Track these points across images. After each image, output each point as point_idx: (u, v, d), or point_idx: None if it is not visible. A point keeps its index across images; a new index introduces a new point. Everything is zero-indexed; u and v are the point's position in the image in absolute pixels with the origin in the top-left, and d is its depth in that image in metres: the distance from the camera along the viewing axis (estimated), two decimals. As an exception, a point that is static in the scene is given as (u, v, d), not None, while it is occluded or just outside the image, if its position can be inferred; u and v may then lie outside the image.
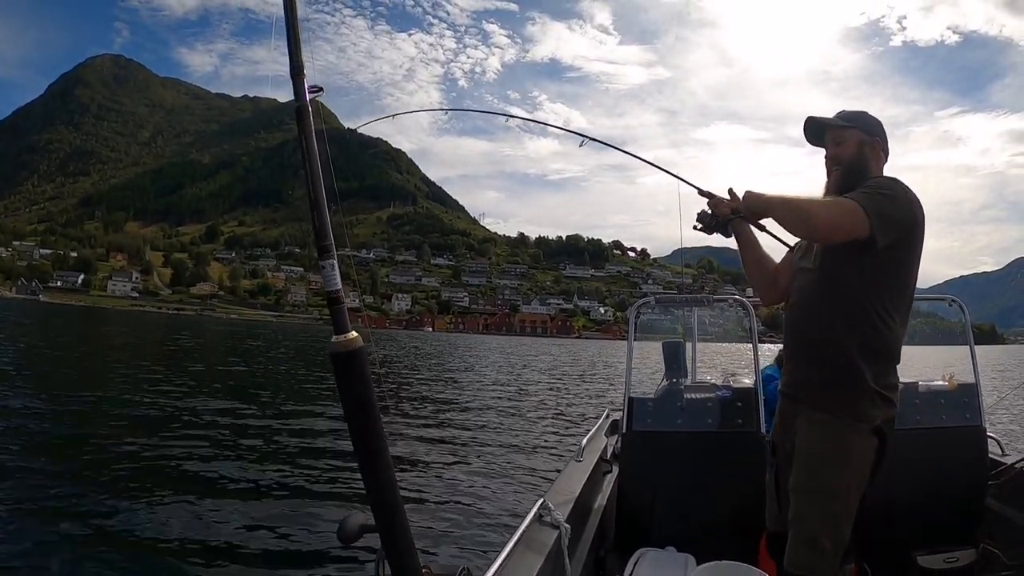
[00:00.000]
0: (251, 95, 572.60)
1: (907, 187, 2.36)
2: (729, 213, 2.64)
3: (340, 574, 5.76)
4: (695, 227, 2.72)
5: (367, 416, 1.57)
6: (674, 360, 4.51)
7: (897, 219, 2.26)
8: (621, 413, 4.24)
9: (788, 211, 2.38)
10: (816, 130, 2.62)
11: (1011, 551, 3.44)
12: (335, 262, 1.56)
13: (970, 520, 3.74)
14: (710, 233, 2.62)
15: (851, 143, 2.51)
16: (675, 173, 3.00)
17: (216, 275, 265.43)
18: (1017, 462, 3.82)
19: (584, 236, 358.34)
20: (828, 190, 2.54)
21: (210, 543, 6.18)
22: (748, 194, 2.53)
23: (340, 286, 1.57)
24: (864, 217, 2.18)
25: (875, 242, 2.21)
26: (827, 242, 2.32)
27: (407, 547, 1.62)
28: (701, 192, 2.79)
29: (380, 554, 1.63)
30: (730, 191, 2.73)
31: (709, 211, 2.73)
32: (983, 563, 3.54)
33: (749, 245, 2.75)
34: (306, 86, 1.57)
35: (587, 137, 3.69)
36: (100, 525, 6.33)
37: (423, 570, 1.65)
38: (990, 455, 3.96)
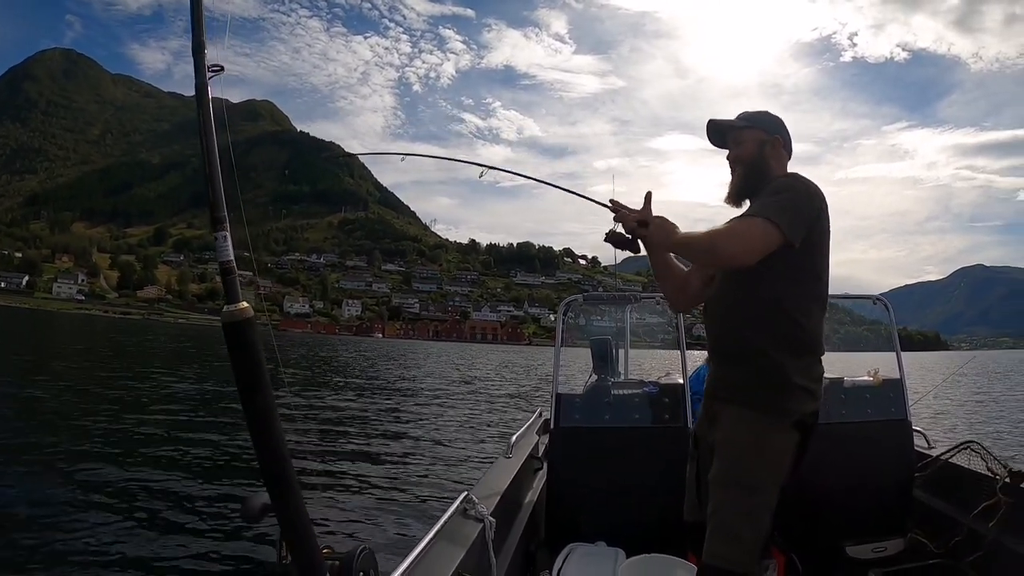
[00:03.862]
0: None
1: (807, 181, 2.39)
2: (636, 226, 2.47)
3: (248, 553, 5.89)
4: (607, 241, 2.57)
5: (257, 386, 1.57)
6: (602, 358, 4.62)
7: (804, 217, 2.28)
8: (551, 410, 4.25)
9: (691, 251, 2.38)
10: (718, 132, 2.64)
11: (938, 540, 3.53)
12: (227, 234, 1.58)
13: (898, 511, 3.84)
14: (621, 249, 2.49)
15: (751, 143, 2.53)
16: (578, 192, 2.99)
17: (164, 278, 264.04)
18: (943, 454, 3.94)
19: (535, 243, 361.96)
20: (731, 190, 2.57)
21: (122, 523, 6.39)
22: (656, 224, 2.33)
23: (232, 257, 1.59)
24: (773, 229, 2.19)
25: (789, 246, 2.22)
26: (745, 266, 2.22)
27: (302, 523, 1.63)
28: (606, 205, 2.68)
29: (279, 534, 1.62)
30: (647, 196, 2.61)
31: (617, 226, 2.57)
32: (911, 552, 3.64)
33: (656, 251, 2.60)
34: (207, 64, 1.60)
35: (487, 167, 3.60)
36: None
37: (323, 550, 1.66)
38: (916, 448, 4.10)
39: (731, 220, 2.41)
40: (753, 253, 2.20)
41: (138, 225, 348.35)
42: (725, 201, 2.61)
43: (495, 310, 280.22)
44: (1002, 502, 3.29)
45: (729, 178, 2.63)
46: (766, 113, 2.63)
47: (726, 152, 2.65)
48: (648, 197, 2.70)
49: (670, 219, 2.37)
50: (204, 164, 1.61)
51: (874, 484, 3.86)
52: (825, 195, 2.37)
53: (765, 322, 2.36)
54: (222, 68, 1.63)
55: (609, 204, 2.66)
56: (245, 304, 1.59)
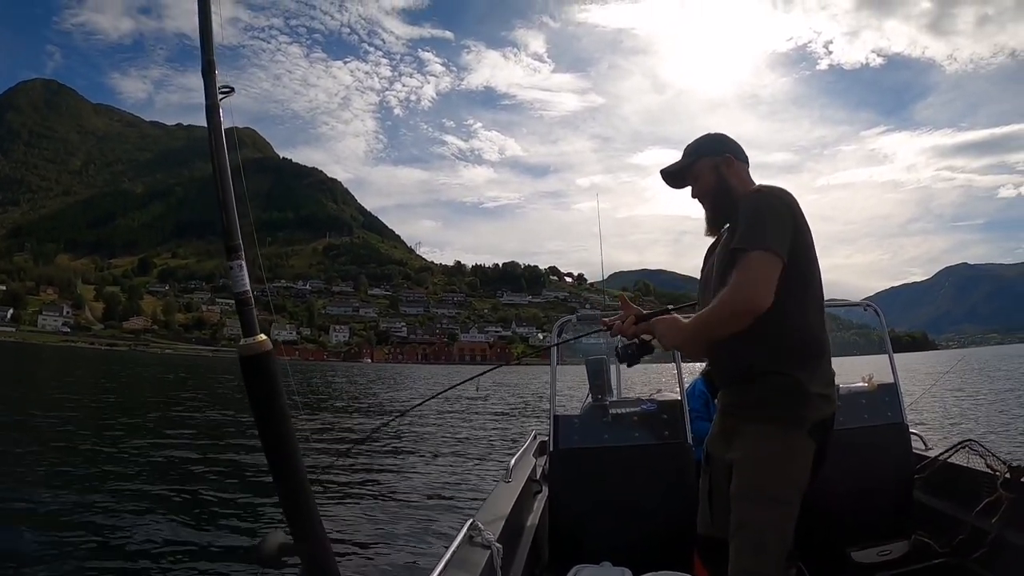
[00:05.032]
0: (185, 123, 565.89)
1: (775, 191, 2.38)
2: (635, 330, 2.53)
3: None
4: (624, 365, 2.61)
5: (277, 420, 1.53)
6: (598, 377, 4.54)
7: (786, 231, 2.27)
8: (548, 433, 4.26)
9: (714, 331, 2.33)
10: (674, 177, 2.65)
11: (942, 540, 3.54)
12: (243, 263, 1.54)
13: (900, 513, 3.88)
14: (638, 360, 2.54)
15: (706, 173, 2.54)
16: (573, 337, 3.25)
17: (149, 309, 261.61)
18: (941, 455, 3.95)
19: (521, 263, 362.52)
20: (707, 222, 2.59)
21: (120, 566, 6.24)
22: (661, 331, 2.45)
23: (249, 287, 1.55)
24: (773, 257, 2.20)
25: (784, 262, 2.22)
26: (769, 303, 2.19)
27: (327, 562, 1.57)
28: (601, 329, 2.74)
29: (301, 573, 1.57)
30: (621, 298, 2.78)
31: (620, 343, 2.60)
32: (916, 554, 3.65)
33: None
34: (217, 85, 1.56)
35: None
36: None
37: None
38: (914, 450, 4.14)
39: (716, 295, 2.35)
40: (771, 290, 2.19)
41: (122, 255, 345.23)
42: (706, 235, 2.63)
43: (483, 331, 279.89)
44: (1004, 498, 3.31)
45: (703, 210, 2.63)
46: (706, 136, 2.64)
47: (690, 190, 2.64)
48: (624, 300, 2.76)
49: (664, 323, 2.44)
50: (216, 189, 1.55)
51: (875, 488, 3.89)
52: (806, 202, 2.33)
53: (767, 339, 2.32)
54: (232, 89, 1.58)
55: (604, 327, 2.71)
56: (263, 336, 1.54)
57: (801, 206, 2.38)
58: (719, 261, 2.49)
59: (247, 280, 1.54)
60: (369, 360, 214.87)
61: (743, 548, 2.28)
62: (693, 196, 2.62)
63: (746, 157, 2.59)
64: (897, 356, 4.35)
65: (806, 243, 2.36)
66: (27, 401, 21.66)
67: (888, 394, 4.17)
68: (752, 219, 2.30)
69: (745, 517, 2.31)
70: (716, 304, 2.28)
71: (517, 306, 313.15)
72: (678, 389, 4.28)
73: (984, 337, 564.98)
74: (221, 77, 1.57)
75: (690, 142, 2.65)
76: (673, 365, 4.44)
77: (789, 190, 2.40)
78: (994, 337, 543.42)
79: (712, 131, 2.66)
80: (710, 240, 2.65)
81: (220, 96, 1.57)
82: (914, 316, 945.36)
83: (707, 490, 2.66)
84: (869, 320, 4.66)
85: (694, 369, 5.30)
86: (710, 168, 2.55)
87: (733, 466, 2.41)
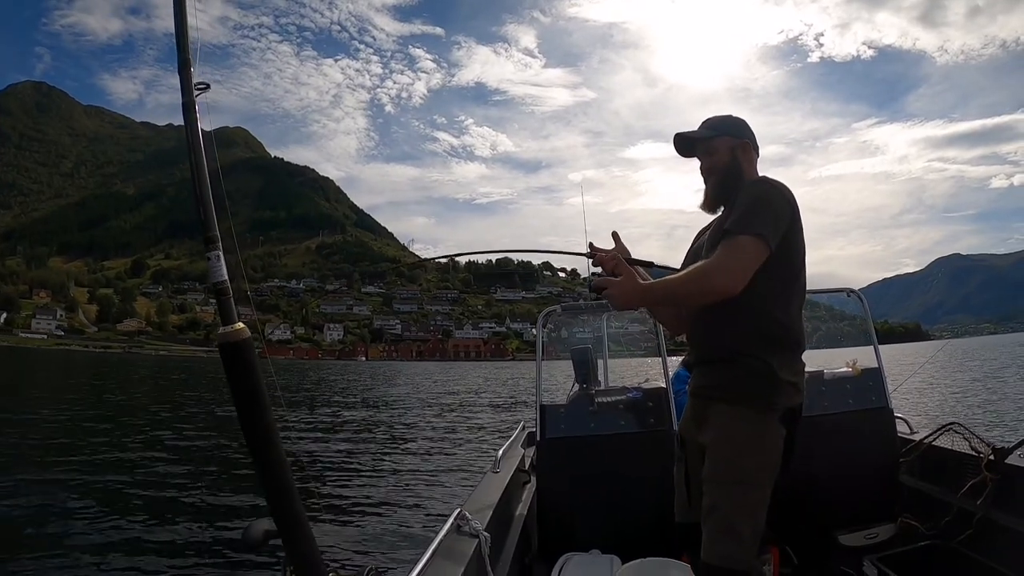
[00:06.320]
0: (176, 123, 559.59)
1: (777, 183, 2.39)
2: (613, 264, 2.43)
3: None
4: (594, 297, 2.44)
5: (256, 407, 1.54)
6: (583, 367, 4.61)
7: (782, 222, 2.29)
8: (535, 423, 4.25)
9: (678, 298, 2.39)
10: (687, 144, 2.64)
11: (928, 522, 3.59)
12: (220, 253, 1.54)
13: (886, 497, 3.92)
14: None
15: (723, 151, 2.54)
16: (553, 250, 3.14)
17: (143, 311, 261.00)
18: (926, 438, 3.97)
19: (514, 259, 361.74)
20: (707, 198, 2.58)
21: (116, 553, 6.33)
22: (612, 292, 2.27)
23: (226, 277, 1.56)
24: (762, 244, 2.21)
25: (771, 251, 2.24)
26: (741, 288, 2.19)
27: (309, 547, 1.58)
28: (584, 254, 2.71)
29: (284, 560, 1.58)
30: (613, 235, 2.79)
31: (598, 273, 2.53)
32: (902, 536, 3.71)
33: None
34: (193, 81, 1.57)
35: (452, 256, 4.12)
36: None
37: (331, 575, 1.61)
38: (900, 434, 4.17)
39: (696, 265, 2.34)
40: (747, 277, 2.20)
41: (115, 257, 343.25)
42: (700, 207, 2.62)
43: (477, 327, 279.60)
44: (988, 479, 3.35)
45: (702, 184, 2.63)
46: (730, 117, 2.64)
47: (698, 162, 2.64)
48: (616, 236, 2.80)
49: (639, 282, 2.30)
50: (193, 183, 1.55)
51: (861, 472, 3.92)
52: (798, 194, 2.36)
53: (748, 324, 2.35)
54: (208, 86, 1.60)
55: (587, 252, 2.71)
56: (241, 325, 1.55)
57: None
58: (710, 240, 2.52)
59: (224, 270, 1.56)
60: (364, 358, 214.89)
61: (714, 532, 2.26)
62: (702, 169, 2.62)
63: (758, 148, 2.62)
64: (890, 346, 4.49)
65: (799, 239, 2.39)
66: (24, 403, 21.87)
67: (872, 379, 4.18)
68: (751, 206, 2.31)
69: (716, 500, 2.29)
70: (690, 274, 2.28)
71: (511, 302, 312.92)
72: (663, 377, 4.29)
73: (978, 327, 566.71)
74: (211, 76, 1.56)
75: (712, 116, 2.65)
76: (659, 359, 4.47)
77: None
78: (988, 327, 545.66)
79: (734, 114, 2.67)
80: (706, 220, 2.66)
81: (196, 93, 1.58)
82: (907, 307, 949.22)
83: (683, 476, 2.65)
84: (856, 308, 4.70)
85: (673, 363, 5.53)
86: (728, 147, 2.55)
87: (706, 449, 2.41)
